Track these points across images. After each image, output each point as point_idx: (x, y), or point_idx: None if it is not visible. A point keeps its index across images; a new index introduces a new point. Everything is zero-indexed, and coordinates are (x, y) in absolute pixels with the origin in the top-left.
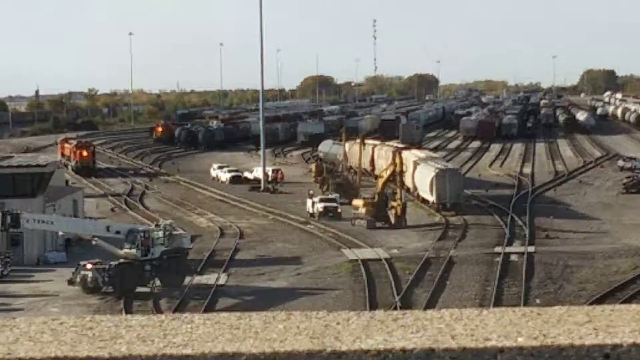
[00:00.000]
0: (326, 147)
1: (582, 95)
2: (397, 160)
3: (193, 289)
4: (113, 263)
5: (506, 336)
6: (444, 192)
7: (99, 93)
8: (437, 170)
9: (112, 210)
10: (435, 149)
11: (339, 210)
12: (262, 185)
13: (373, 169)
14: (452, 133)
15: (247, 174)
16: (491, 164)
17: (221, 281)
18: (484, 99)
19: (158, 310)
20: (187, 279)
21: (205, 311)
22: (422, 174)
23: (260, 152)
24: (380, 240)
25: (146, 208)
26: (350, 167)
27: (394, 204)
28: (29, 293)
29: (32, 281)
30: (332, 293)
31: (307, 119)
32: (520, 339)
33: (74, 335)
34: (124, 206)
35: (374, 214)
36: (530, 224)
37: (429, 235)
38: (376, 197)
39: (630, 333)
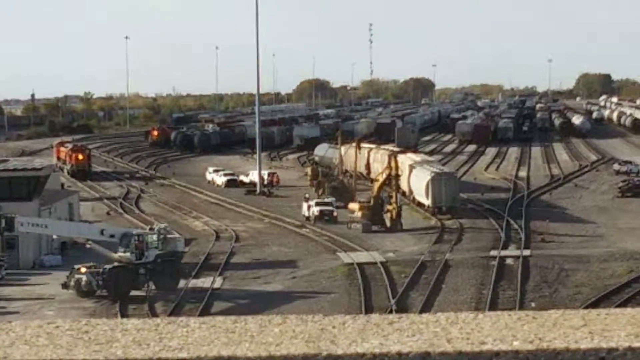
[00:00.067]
0: (322, 150)
1: (578, 99)
2: (393, 164)
3: (189, 292)
4: (107, 267)
5: (502, 340)
6: (439, 196)
7: (94, 96)
8: (432, 174)
9: (108, 213)
10: (431, 153)
11: (335, 213)
12: (257, 188)
13: (369, 173)
14: (448, 137)
15: (242, 178)
16: (487, 168)
17: (217, 285)
18: (479, 103)
19: (154, 313)
20: (182, 283)
21: (201, 315)
22: (417, 178)
23: (256, 156)
24: (376, 243)
25: (142, 211)
26: (346, 171)
27: (390, 207)
28: (25, 296)
29: (28, 284)
30: (328, 297)
31: (303, 122)
32: (515, 343)
33: (70, 339)
34: (120, 210)
35: (370, 218)
36: (525, 227)
37: (424, 239)
38: (372, 200)
39: (626, 337)
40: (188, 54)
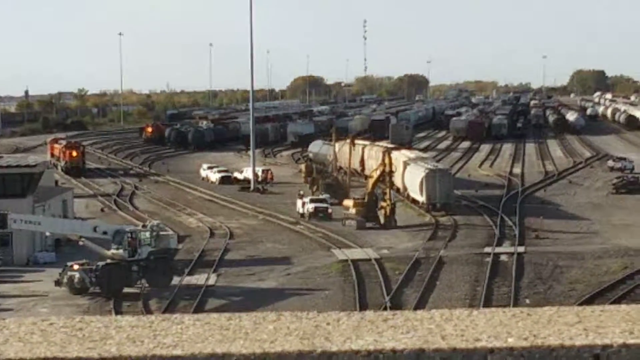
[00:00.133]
0: (316, 147)
1: (572, 95)
2: (387, 161)
3: (183, 289)
4: (100, 264)
5: (496, 337)
6: (433, 193)
7: (88, 93)
8: (427, 171)
9: (102, 210)
10: (425, 149)
11: (330, 210)
12: (251, 185)
13: (363, 169)
14: (442, 133)
15: (236, 175)
16: (481, 164)
17: (211, 281)
18: (473, 100)
19: (148, 310)
20: (177, 279)
21: (195, 312)
22: (412, 175)
23: (250, 153)
24: (370, 240)
25: (136, 208)
26: (340, 168)
27: (384, 204)
28: (18, 293)
29: (22, 281)
30: (322, 293)
31: (297, 119)
32: (510, 340)
33: (64, 336)
34: (114, 206)
35: (364, 214)
36: (520, 224)
37: (419, 236)
38: (366, 197)
39: (620, 333)
40: (182, 51)
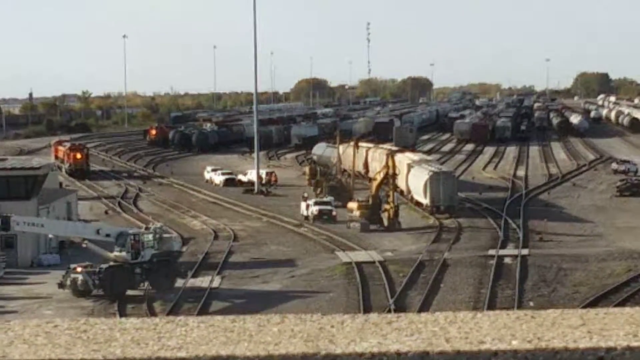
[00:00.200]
0: (320, 149)
1: (576, 98)
2: (390, 163)
3: (187, 291)
4: (103, 266)
5: (500, 339)
6: (437, 195)
7: (92, 95)
8: (430, 173)
9: (106, 212)
10: (429, 152)
11: (334, 213)
12: (255, 187)
13: (367, 172)
14: (446, 136)
15: (240, 177)
16: (485, 167)
17: (215, 284)
18: (477, 102)
19: (152, 313)
20: (180, 282)
21: (199, 314)
22: (415, 177)
23: (254, 155)
24: (374, 243)
25: (140, 211)
26: (344, 170)
27: (387, 206)
28: (23, 295)
29: (26, 283)
30: (326, 296)
31: (301, 121)
32: (514, 342)
33: (68, 338)
34: (118, 209)
35: (368, 217)
36: (523, 226)
37: (422, 238)
38: (370, 199)
39: (624, 336)
40: (186, 53)
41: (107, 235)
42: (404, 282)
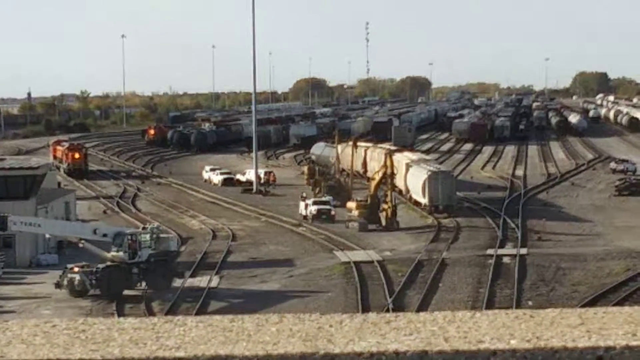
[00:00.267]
0: (318, 149)
1: (575, 97)
2: (388, 163)
3: (185, 291)
4: (100, 266)
5: (499, 339)
6: (436, 195)
7: (91, 95)
8: (429, 173)
9: (105, 212)
10: (427, 152)
11: (333, 212)
12: (254, 187)
13: (365, 171)
14: (445, 135)
15: (239, 176)
16: (483, 167)
17: (213, 283)
18: (476, 102)
19: (150, 313)
20: (179, 282)
21: (198, 314)
22: (414, 177)
23: (253, 155)
24: (372, 242)
25: (138, 210)
26: (343, 170)
27: (385, 206)
28: (21, 295)
29: (25, 283)
30: (325, 295)
31: (300, 121)
32: (513, 342)
33: (67, 338)
34: (116, 208)
35: (367, 217)
36: (522, 226)
37: (421, 238)
38: (369, 199)
39: (623, 335)
40: (185, 53)
41: (104, 235)
42: (402, 281)
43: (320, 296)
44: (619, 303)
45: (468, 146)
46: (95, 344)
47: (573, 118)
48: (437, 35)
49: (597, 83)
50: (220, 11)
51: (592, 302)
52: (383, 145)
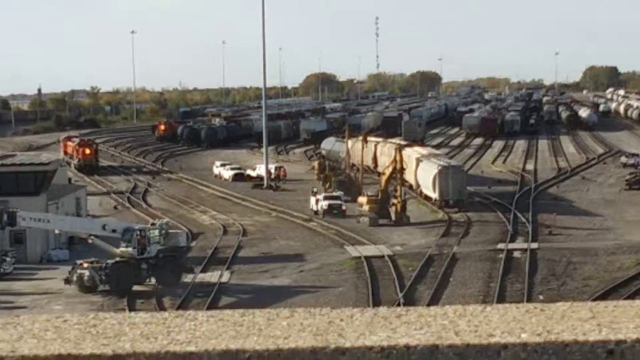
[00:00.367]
0: (329, 144)
1: (585, 91)
2: (397, 158)
3: (196, 286)
4: (109, 261)
5: (510, 332)
6: (446, 189)
7: (101, 91)
8: (439, 167)
9: (115, 208)
10: (437, 146)
11: (344, 208)
12: (264, 182)
13: (376, 166)
14: (455, 130)
15: (249, 172)
16: (494, 161)
17: (224, 279)
18: (486, 96)
19: (161, 307)
20: (190, 277)
21: (209, 308)
22: (424, 171)
23: (263, 150)
24: (383, 237)
25: (149, 206)
26: (353, 165)
27: (394, 201)
28: (32, 291)
29: (36, 279)
30: (335, 290)
31: (310, 116)
32: (523, 335)
33: (78, 333)
34: (127, 204)
35: (377, 211)
36: (533, 220)
37: (432, 232)
38: (379, 194)
39: (634, 329)
40: (195, 49)
41: (113, 231)
42: (413, 276)
43: (331, 291)
44: (630, 297)
45: (478, 141)
46: (107, 339)
47: (583, 112)
48: (447, 30)
49: (607, 77)
50: (230, 7)
51: (603, 296)
52: (393, 140)
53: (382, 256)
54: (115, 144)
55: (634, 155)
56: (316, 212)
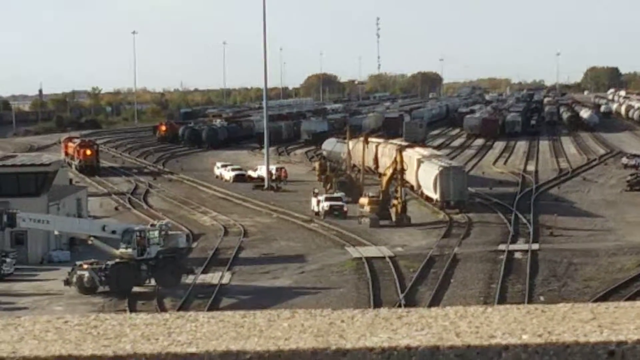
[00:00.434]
0: (330, 145)
1: (586, 92)
2: (398, 159)
3: (197, 287)
4: (109, 263)
5: (511, 334)
6: (447, 190)
7: (102, 92)
8: (440, 168)
9: (116, 209)
10: (439, 147)
11: (345, 209)
12: (265, 183)
13: (377, 167)
14: (456, 131)
15: (250, 173)
16: (495, 162)
17: (225, 280)
18: (487, 97)
19: (162, 309)
20: (190, 278)
21: (210, 310)
22: (425, 172)
23: (264, 151)
24: (384, 238)
25: (150, 207)
26: (354, 166)
27: (395, 202)
28: (33, 292)
29: (37, 280)
30: (336, 291)
31: (311, 117)
32: (524, 337)
33: (79, 334)
34: (128, 205)
35: (378, 212)
36: (534, 221)
37: (433, 233)
38: (380, 195)
39: (635, 330)
40: (196, 50)
41: (113, 232)
42: (414, 277)
43: (332, 292)
44: (631, 298)
45: (479, 141)
46: (107, 340)
47: (584, 113)
48: (448, 31)
49: (609, 78)
50: (230, 7)
51: (604, 297)
52: (394, 141)
53: (383, 257)
54: (116, 144)
55: (635, 156)
56: (317, 213)
